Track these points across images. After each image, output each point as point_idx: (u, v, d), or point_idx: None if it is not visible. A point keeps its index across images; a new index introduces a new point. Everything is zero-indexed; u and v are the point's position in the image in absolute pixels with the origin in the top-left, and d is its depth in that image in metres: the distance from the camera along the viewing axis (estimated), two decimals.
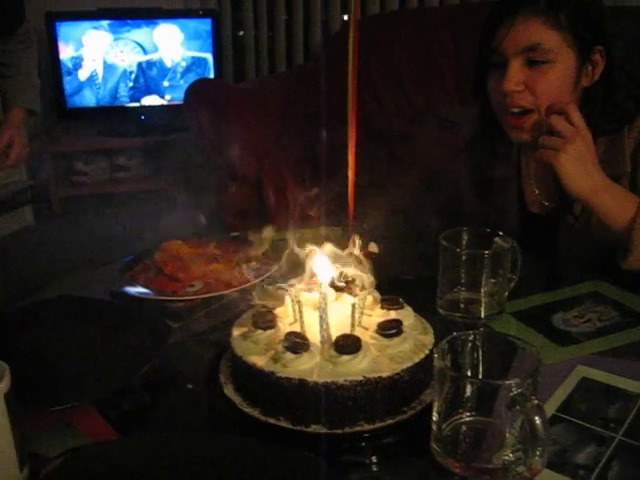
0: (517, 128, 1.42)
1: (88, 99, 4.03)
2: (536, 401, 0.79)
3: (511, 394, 0.79)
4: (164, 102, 4.10)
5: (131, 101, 4.09)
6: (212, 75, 4.06)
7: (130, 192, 3.84)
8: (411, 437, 0.92)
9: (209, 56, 4.04)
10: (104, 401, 0.99)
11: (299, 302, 1.00)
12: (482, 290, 1.22)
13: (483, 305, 1.24)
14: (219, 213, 2.60)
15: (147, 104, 4.09)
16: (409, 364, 0.93)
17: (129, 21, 3.98)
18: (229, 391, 0.98)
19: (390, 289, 1.17)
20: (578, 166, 1.32)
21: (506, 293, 1.25)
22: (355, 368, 0.91)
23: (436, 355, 0.85)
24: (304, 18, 4.00)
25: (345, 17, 3.95)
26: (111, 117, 4.07)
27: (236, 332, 1.02)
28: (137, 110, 4.09)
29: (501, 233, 1.25)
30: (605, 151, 1.43)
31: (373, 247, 1.40)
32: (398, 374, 0.92)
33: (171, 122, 3.89)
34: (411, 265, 1.46)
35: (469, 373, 0.90)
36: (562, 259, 1.51)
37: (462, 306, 1.25)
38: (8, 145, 1.91)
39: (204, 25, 4.00)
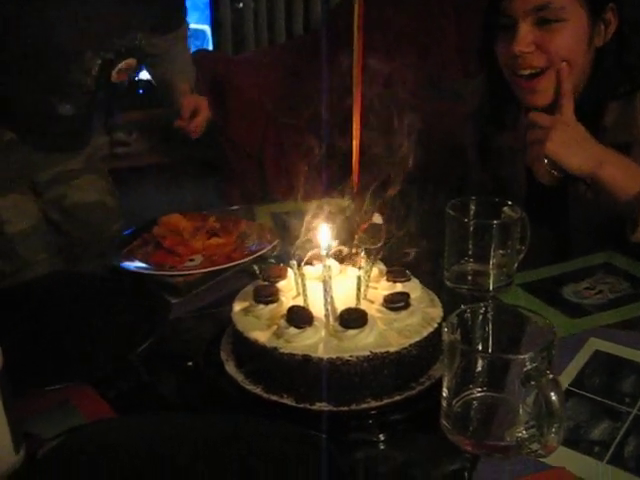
0: (530, 91, 1.37)
1: None
2: (551, 375, 0.75)
3: (525, 369, 0.76)
4: None
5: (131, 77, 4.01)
6: (210, 47, 3.98)
7: (131, 167, 3.78)
8: (420, 414, 0.88)
9: (207, 28, 3.96)
10: (102, 380, 0.95)
11: (302, 275, 0.96)
12: (490, 262, 1.19)
13: (491, 277, 1.20)
14: (222, 186, 2.56)
15: (145, 78, 4.02)
16: (417, 338, 0.90)
17: None
18: (230, 368, 0.95)
19: (396, 261, 1.14)
20: (570, 145, 1.28)
21: (515, 265, 1.21)
22: (361, 343, 0.87)
23: (445, 329, 0.81)
24: None
25: None
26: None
27: (237, 307, 0.98)
28: (134, 84, 4.01)
29: (510, 202, 1.21)
30: (616, 117, 1.38)
31: (377, 218, 1.36)
32: (406, 349, 0.88)
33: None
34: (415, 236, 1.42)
35: (480, 347, 0.86)
36: (572, 230, 1.47)
37: (470, 278, 1.22)
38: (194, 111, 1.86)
39: None
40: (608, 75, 1.37)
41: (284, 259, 1.24)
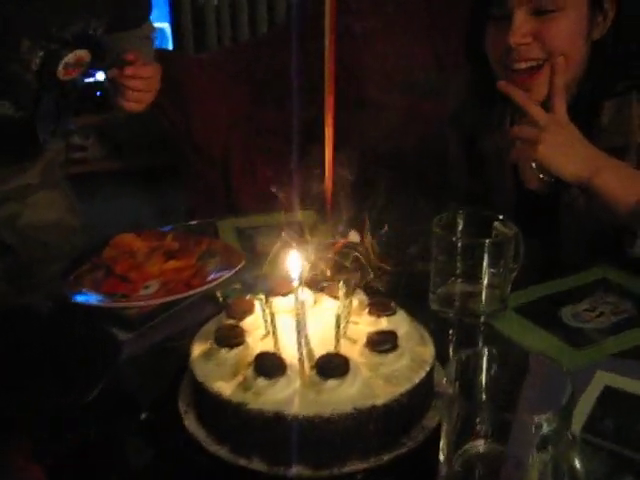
0: (525, 88, 1.24)
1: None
2: (572, 436, 0.63)
3: (542, 432, 0.63)
4: None
5: (84, 76, 3.83)
6: (170, 46, 3.82)
7: (87, 173, 3.61)
8: (414, 475, 0.76)
9: (167, 26, 3.80)
10: (36, 438, 0.81)
11: (271, 312, 0.82)
12: (483, 282, 1.06)
13: (484, 299, 1.08)
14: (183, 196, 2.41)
15: (102, 79, 3.85)
16: (408, 386, 0.77)
17: None
18: (190, 423, 0.81)
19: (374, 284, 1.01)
20: (564, 151, 1.16)
21: (509, 286, 1.09)
22: (343, 395, 0.74)
23: (445, 379, 0.68)
24: None
25: None
26: None
27: (196, 350, 0.85)
28: (91, 86, 3.84)
29: (501, 217, 1.09)
30: (612, 118, 1.27)
31: (354, 236, 1.23)
32: (396, 399, 0.75)
33: None
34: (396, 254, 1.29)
35: (483, 395, 0.74)
36: (564, 242, 1.36)
37: (458, 302, 1.09)
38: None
39: None
40: (604, 71, 1.26)
41: (251, 285, 1.12)
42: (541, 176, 1.40)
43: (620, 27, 1.25)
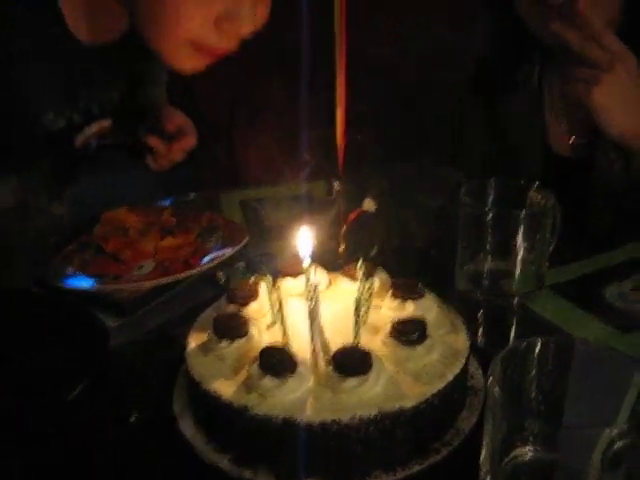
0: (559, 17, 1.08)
1: None
2: None
3: (614, 447, 0.51)
4: None
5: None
6: None
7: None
8: None
9: None
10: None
11: (279, 297, 0.70)
12: (517, 259, 0.94)
13: (517, 278, 0.96)
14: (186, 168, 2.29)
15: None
16: (441, 385, 0.65)
17: None
18: (186, 427, 0.70)
19: (394, 260, 0.90)
20: (617, 102, 1.04)
21: (546, 262, 0.97)
22: (365, 396, 0.63)
23: (490, 379, 0.56)
24: None
25: None
26: None
27: (193, 342, 0.73)
28: None
29: (537, 184, 0.97)
30: None
31: (370, 204, 1.11)
32: (427, 400, 0.64)
33: None
34: (416, 227, 1.17)
35: (532, 398, 0.62)
36: (600, 214, 1.23)
37: (486, 281, 0.97)
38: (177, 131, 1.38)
39: None
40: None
41: (255, 264, 1.00)
42: (572, 139, 1.28)
43: None
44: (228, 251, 1.03)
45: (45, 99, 1.04)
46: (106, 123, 1.22)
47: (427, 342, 0.68)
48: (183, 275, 0.99)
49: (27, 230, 1.42)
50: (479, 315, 0.96)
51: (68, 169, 1.28)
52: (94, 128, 1.20)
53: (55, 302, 0.95)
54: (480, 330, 0.93)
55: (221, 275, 0.99)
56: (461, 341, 0.72)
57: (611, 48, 1.02)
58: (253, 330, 0.71)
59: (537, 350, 0.60)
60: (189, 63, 0.98)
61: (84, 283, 1.00)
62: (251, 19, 0.92)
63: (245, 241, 1.07)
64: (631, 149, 1.06)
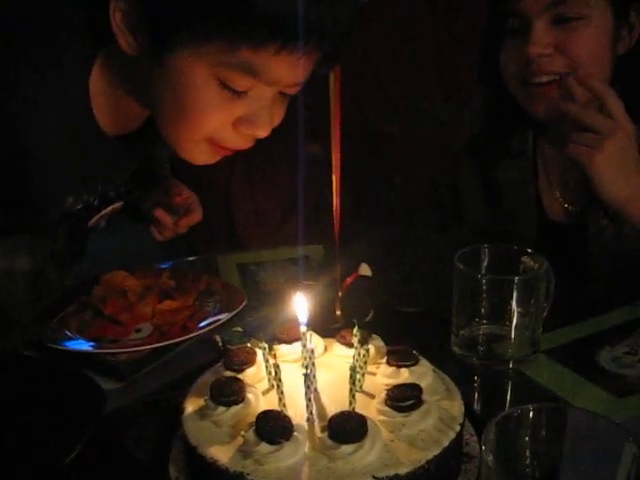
0: (543, 97, 1.16)
1: None
2: None
3: None
4: None
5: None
6: None
7: None
8: None
9: None
10: None
11: (276, 364, 0.71)
12: (512, 324, 0.95)
13: (511, 343, 0.97)
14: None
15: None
16: (436, 451, 0.65)
17: None
18: None
19: (389, 325, 0.90)
20: (616, 168, 1.05)
21: (540, 327, 0.98)
22: (361, 463, 0.63)
23: (483, 447, 0.57)
24: None
25: None
26: None
27: (190, 407, 0.73)
28: None
29: (530, 250, 0.99)
30: None
31: (365, 269, 1.12)
32: (422, 467, 0.64)
33: None
34: (412, 292, 1.18)
35: (527, 462, 0.62)
36: (593, 278, 1.25)
37: (481, 346, 0.98)
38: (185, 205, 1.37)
39: None
40: (632, 87, 1.15)
41: (252, 329, 1.01)
42: (566, 205, 1.31)
43: None
44: (226, 316, 1.04)
45: (67, 185, 1.06)
46: (119, 206, 1.24)
47: (422, 408, 0.69)
48: (181, 339, 1.00)
49: (33, 300, 1.43)
50: (474, 380, 0.97)
51: (78, 245, 1.30)
52: (109, 210, 1.22)
53: (51, 365, 0.95)
54: (476, 395, 0.94)
55: (218, 339, 1.00)
56: (456, 407, 0.72)
57: (613, 113, 1.05)
58: (249, 396, 0.72)
59: (530, 417, 0.61)
60: (202, 157, 0.99)
61: (82, 346, 1.01)
62: (269, 123, 0.94)
63: (243, 305, 1.08)
64: (625, 215, 1.08)
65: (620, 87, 1.14)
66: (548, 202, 1.32)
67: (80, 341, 1.02)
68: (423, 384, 0.73)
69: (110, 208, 1.20)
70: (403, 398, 0.69)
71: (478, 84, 1.33)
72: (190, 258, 1.37)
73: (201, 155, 0.99)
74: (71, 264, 1.25)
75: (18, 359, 0.98)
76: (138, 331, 1.04)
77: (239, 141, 0.96)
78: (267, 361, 0.72)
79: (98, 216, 1.19)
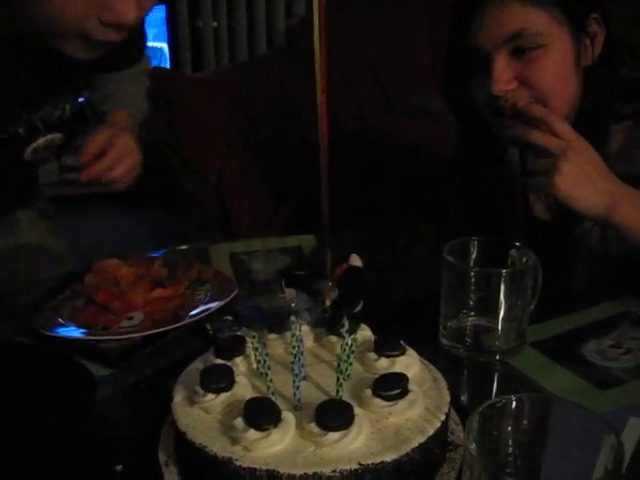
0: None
1: None
2: None
3: None
4: None
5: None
6: (168, 66, 3.76)
7: (80, 195, 3.52)
8: None
9: (165, 45, 3.74)
10: None
11: (265, 351, 0.72)
12: (499, 316, 0.97)
13: (501, 335, 0.98)
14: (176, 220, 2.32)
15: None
16: (422, 439, 0.67)
17: None
18: (172, 477, 0.71)
19: (379, 316, 0.91)
20: (582, 183, 1.02)
21: (527, 319, 1.00)
22: (347, 450, 0.64)
23: (466, 436, 0.58)
24: (266, 4, 3.72)
25: None
26: None
27: (179, 394, 0.75)
28: (86, 108, 3.77)
29: (518, 244, 1.00)
30: (623, 144, 1.17)
31: (355, 260, 1.13)
32: (407, 455, 0.65)
33: None
34: (401, 283, 1.20)
35: (509, 454, 0.63)
36: (579, 274, 1.26)
37: (469, 338, 1.00)
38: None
39: (158, 12, 3.69)
40: (604, 96, 1.16)
41: (244, 316, 1.02)
42: (550, 206, 1.31)
43: (612, 45, 1.15)
44: (216, 305, 1.05)
45: None
46: (55, 138, 1.23)
47: (408, 397, 0.70)
48: (172, 327, 1.01)
49: (20, 272, 1.43)
50: (462, 371, 0.98)
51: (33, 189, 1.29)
52: (42, 142, 1.21)
53: (42, 351, 0.96)
54: (463, 386, 0.96)
55: (210, 327, 1.01)
56: (442, 397, 0.74)
57: (560, 133, 1.03)
58: (239, 383, 0.73)
59: (513, 407, 0.62)
60: (82, 53, 1.02)
61: (73, 333, 1.02)
62: (131, 7, 0.94)
63: (234, 294, 1.09)
64: (612, 224, 1.06)
65: (591, 98, 1.14)
66: (535, 203, 1.33)
67: (72, 328, 1.03)
68: (410, 374, 0.74)
69: (44, 139, 1.20)
70: (390, 387, 0.70)
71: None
72: (182, 247, 1.38)
73: (79, 51, 1.01)
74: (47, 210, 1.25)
75: (10, 345, 0.99)
76: (130, 319, 1.05)
77: (108, 32, 0.97)
78: (257, 349, 0.73)
79: (32, 147, 1.18)
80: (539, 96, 1.11)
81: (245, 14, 3.75)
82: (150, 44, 3.69)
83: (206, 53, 3.80)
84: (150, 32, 3.67)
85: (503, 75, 1.10)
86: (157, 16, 3.70)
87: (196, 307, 1.06)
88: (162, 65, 3.73)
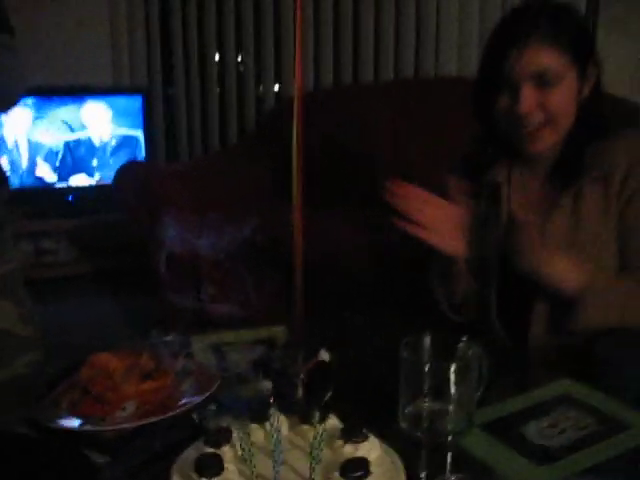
0: (536, 137, 1.46)
1: (10, 180, 3.82)
2: None
3: None
4: (93, 182, 3.93)
5: (58, 181, 3.90)
6: (143, 154, 3.93)
7: (57, 277, 3.63)
8: None
9: (140, 134, 3.92)
10: None
11: (248, 442, 0.85)
12: (450, 402, 1.10)
13: (451, 418, 1.11)
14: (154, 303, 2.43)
15: (75, 184, 3.92)
16: None
17: (55, 98, 3.82)
18: None
19: (345, 403, 1.04)
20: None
21: (474, 403, 1.13)
22: None
23: None
24: (237, 93, 3.94)
25: (277, 88, 3.91)
26: (36, 198, 3.86)
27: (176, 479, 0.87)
28: (64, 190, 3.91)
29: (464, 338, 1.15)
30: (594, 155, 1.47)
31: (324, 355, 1.27)
32: None
33: (100, 203, 3.73)
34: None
35: None
36: (530, 349, 1.45)
37: (425, 421, 1.13)
38: None
39: (134, 102, 3.88)
40: (589, 124, 1.48)
41: (226, 406, 1.14)
42: None
43: (601, 83, 1.49)
44: (200, 397, 1.17)
45: None
46: None
47: (370, 478, 0.84)
48: (162, 417, 1.13)
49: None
50: (419, 451, 1.11)
51: None
52: None
53: (44, 441, 1.07)
54: (419, 466, 1.08)
55: (195, 417, 1.13)
56: (400, 477, 0.87)
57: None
58: (227, 469, 0.86)
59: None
60: None
61: (73, 423, 1.13)
62: None
63: (215, 386, 1.21)
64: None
65: (581, 129, 1.46)
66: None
67: (71, 419, 1.14)
68: (371, 457, 0.88)
69: None
70: (354, 470, 0.83)
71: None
72: (167, 338, 1.50)
73: None
74: None
75: (15, 437, 1.10)
76: (123, 409, 1.17)
77: None
78: (241, 439, 0.86)
79: None
80: (551, 117, 1.44)
81: (217, 102, 3.96)
82: (126, 132, 3.87)
83: (179, 143, 4.00)
84: (126, 121, 3.88)
85: (528, 99, 1.43)
86: (133, 106, 3.89)
87: (182, 398, 1.19)
88: (137, 154, 3.91)
